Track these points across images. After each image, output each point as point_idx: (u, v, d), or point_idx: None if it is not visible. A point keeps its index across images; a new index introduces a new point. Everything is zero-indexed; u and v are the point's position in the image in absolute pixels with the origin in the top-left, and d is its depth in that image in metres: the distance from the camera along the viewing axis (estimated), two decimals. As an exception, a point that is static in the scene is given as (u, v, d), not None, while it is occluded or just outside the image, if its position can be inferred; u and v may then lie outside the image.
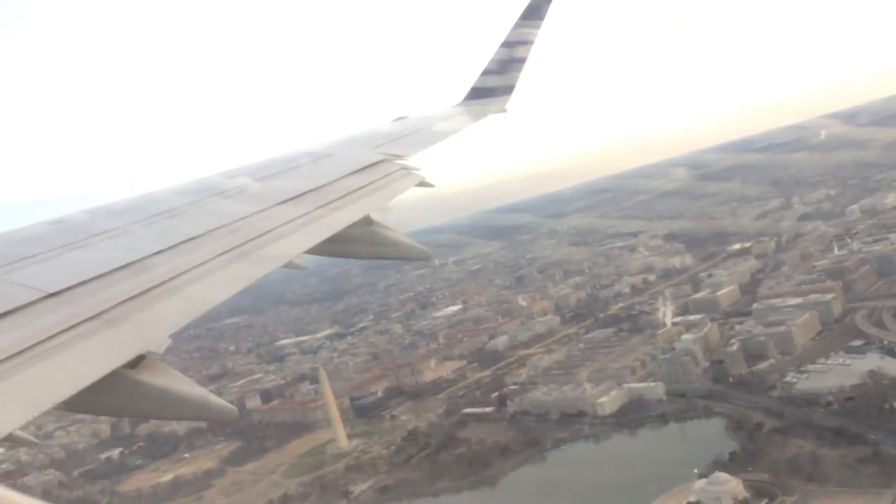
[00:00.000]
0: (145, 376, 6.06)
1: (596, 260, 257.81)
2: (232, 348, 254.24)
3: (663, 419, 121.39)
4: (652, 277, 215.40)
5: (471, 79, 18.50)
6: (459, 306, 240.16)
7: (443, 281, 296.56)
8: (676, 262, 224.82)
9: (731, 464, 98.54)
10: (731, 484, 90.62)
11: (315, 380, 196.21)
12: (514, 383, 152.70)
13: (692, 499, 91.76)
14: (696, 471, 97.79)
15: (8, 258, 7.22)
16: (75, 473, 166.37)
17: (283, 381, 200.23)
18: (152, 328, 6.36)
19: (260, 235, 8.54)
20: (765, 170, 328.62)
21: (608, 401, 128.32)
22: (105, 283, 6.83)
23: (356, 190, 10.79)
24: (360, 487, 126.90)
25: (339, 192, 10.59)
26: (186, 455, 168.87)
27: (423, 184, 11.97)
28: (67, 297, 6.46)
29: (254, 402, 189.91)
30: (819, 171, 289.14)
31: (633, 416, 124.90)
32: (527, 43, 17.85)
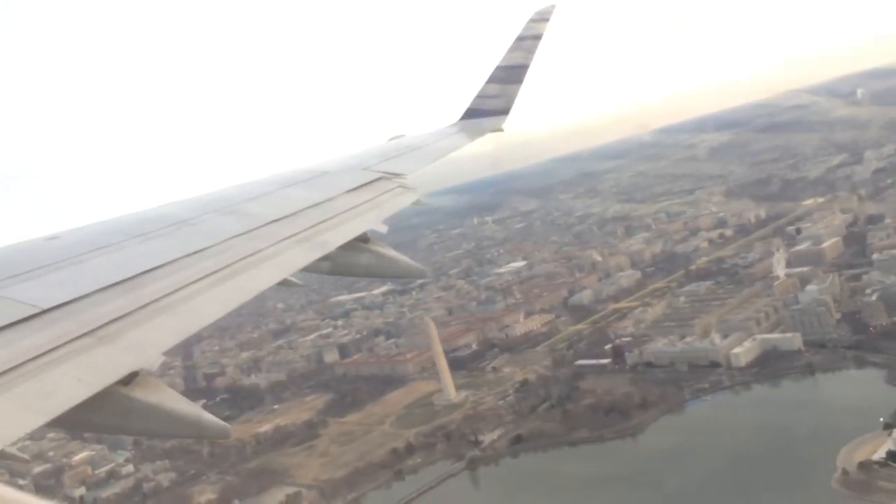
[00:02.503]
0: (138, 393, 5.99)
1: (657, 216, 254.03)
2: (280, 305, 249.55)
3: (809, 370, 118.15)
4: (728, 232, 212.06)
5: (470, 90, 18.58)
6: (523, 263, 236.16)
7: (487, 239, 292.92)
8: (750, 216, 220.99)
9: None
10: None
11: (391, 335, 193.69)
12: (622, 336, 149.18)
13: (892, 447, 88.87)
14: (881, 420, 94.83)
15: (2, 273, 7.16)
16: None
17: (358, 336, 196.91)
18: (146, 345, 6.32)
19: (256, 253, 8.54)
20: (807, 127, 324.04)
21: (743, 352, 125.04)
22: (99, 299, 6.79)
23: (353, 208, 10.96)
24: (489, 437, 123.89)
25: (336, 210, 10.73)
26: (276, 407, 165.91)
27: (418, 202, 12.18)
28: (61, 313, 6.41)
29: (332, 357, 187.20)
30: (868, 128, 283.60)
31: (773, 367, 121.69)
32: (524, 63, 18.16)
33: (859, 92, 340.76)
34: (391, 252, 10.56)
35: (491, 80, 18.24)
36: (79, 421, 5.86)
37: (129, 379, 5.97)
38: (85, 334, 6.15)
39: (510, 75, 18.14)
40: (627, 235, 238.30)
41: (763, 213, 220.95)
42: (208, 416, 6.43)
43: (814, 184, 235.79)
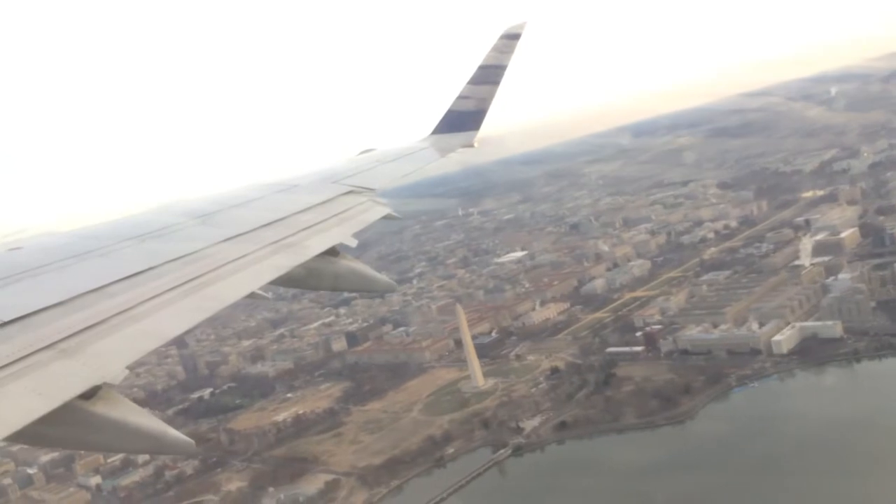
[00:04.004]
0: (100, 408, 5.88)
1: (653, 208, 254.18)
2: (270, 294, 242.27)
3: (855, 357, 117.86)
4: (733, 223, 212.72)
5: (442, 104, 19.39)
6: (523, 252, 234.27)
7: (477, 231, 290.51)
8: (753, 208, 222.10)
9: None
10: None
11: (398, 323, 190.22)
12: (651, 324, 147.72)
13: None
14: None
15: None
16: (170, 412, 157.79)
17: (364, 325, 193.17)
18: (109, 359, 6.13)
19: (224, 265, 8.42)
20: (780, 125, 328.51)
21: (784, 339, 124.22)
22: (61, 311, 6.67)
23: (322, 221, 10.95)
24: (530, 424, 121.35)
25: (306, 223, 10.70)
26: (290, 395, 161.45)
27: (389, 216, 12.21)
28: (22, 325, 6.30)
29: (339, 345, 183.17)
30: (849, 127, 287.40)
31: (816, 354, 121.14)
32: (495, 80, 18.78)
33: (833, 90, 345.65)
34: (361, 266, 10.57)
35: (457, 105, 19.05)
36: (39, 435, 5.71)
37: (92, 393, 5.76)
38: (46, 347, 5.96)
39: (479, 98, 18.86)
40: (627, 226, 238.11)
41: (765, 205, 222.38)
42: (172, 432, 6.23)
43: (811, 177, 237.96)
